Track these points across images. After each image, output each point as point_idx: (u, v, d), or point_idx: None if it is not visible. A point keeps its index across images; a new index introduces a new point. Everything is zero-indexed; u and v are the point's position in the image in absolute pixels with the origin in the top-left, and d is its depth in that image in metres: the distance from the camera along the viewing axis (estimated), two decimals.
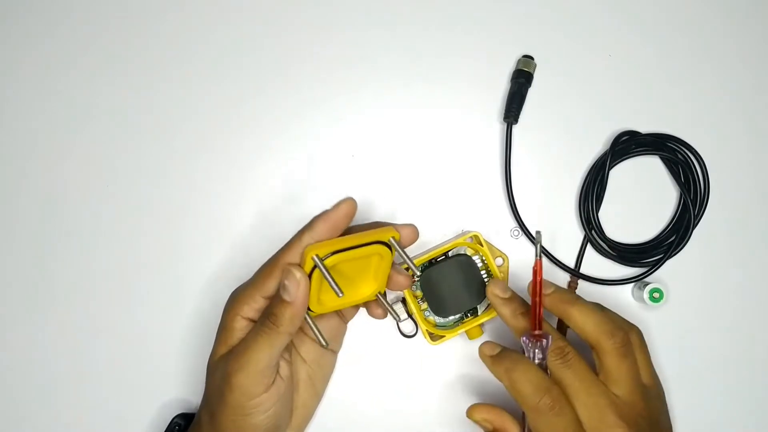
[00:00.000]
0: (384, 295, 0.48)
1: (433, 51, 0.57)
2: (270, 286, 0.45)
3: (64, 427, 0.54)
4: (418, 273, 0.48)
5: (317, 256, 0.42)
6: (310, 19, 0.57)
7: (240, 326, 0.46)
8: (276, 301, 0.44)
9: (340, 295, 0.42)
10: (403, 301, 0.54)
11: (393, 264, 0.47)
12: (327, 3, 0.58)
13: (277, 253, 0.46)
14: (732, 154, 0.57)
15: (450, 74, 0.57)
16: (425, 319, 0.54)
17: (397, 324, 0.55)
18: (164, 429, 0.52)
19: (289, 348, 0.49)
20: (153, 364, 0.55)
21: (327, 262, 0.43)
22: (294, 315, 0.43)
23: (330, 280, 0.42)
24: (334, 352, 0.52)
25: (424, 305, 0.54)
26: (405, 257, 0.45)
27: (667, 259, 0.55)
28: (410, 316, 0.54)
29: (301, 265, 0.43)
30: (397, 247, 0.45)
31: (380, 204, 0.56)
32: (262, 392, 0.45)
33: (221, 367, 0.45)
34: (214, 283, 0.55)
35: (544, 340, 0.45)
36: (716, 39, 0.58)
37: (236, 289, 0.48)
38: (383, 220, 0.48)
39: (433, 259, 0.53)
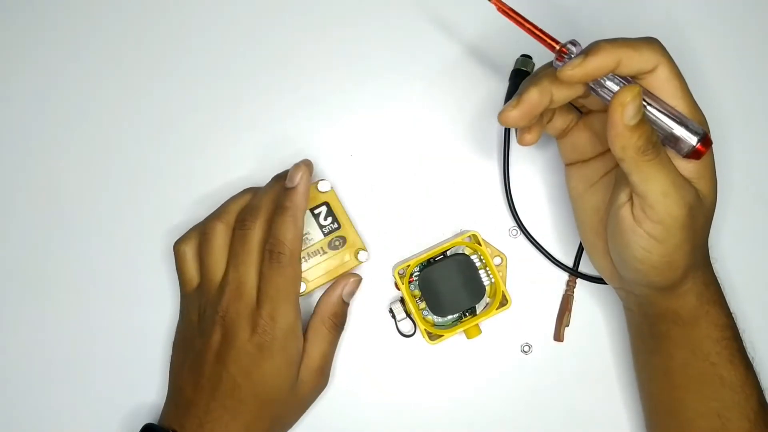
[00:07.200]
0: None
1: (430, 49, 0.57)
2: None
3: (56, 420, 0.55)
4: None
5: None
6: (308, 17, 0.57)
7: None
8: (342, 308, 0.52)
9: None
10: (402, 300, 0.54)
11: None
12: (324, 1, 0.57)
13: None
14: (732, 153, 0.56)
15: (448, 73, 0.57)
16: (423, 318, 0.54)
17: (396, 324, 0.55)
18: None
19: None
20: (147, 357, 0.55)
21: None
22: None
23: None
24: None
25: (423, 305, 0.54)
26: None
27: None
28: (408, 315, 0.54)
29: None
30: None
31: (378, 203, 0.56)
32: (327, 382, 0.53)
33: (299, 390, 0.50)
34: None
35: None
36: (716, 39, 0.58)
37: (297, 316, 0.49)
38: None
39: (431, 258, 0.53)
